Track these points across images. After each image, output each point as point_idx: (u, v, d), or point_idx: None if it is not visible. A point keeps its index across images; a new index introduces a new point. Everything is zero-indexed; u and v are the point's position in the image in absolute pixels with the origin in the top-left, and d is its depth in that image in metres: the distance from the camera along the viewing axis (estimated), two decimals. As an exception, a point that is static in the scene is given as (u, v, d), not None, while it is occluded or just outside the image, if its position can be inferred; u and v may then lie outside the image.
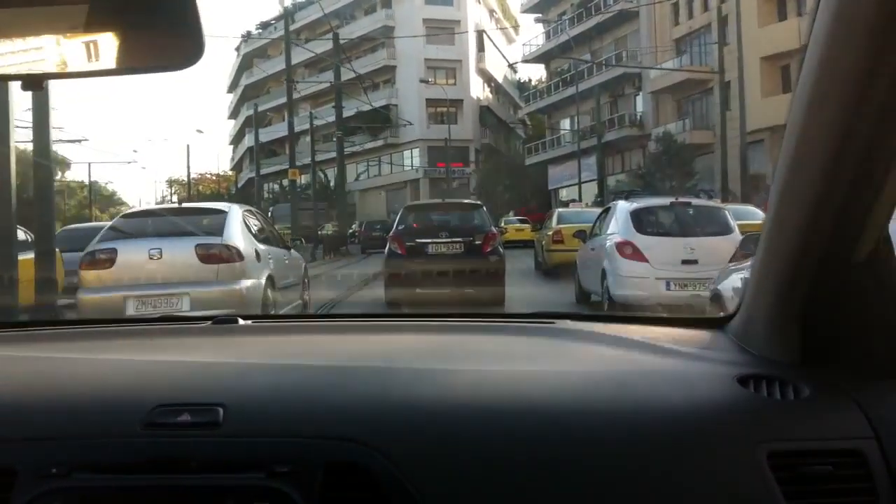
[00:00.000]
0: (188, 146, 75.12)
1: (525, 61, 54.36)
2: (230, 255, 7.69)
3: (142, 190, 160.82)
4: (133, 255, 7.61)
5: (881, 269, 1.22)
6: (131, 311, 7.33)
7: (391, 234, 12.09)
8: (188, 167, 57.82)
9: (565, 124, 48.61)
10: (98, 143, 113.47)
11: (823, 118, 1.06)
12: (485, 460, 1.12)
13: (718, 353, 1.43)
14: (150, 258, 7.54)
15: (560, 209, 20.13)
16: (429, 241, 11.47)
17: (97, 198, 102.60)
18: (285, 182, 60.29)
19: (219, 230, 7.87)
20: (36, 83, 1.13)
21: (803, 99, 1.07)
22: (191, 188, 63.36)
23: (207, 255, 7.62)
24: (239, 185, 68.25)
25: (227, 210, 8.41)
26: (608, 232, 10.17)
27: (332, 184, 55.36)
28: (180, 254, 7.61)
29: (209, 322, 1.77)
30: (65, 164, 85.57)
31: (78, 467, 1.13)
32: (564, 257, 14.60)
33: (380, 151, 57.28)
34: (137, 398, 1.24)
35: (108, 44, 1.08)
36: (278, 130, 63.58)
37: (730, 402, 1.23)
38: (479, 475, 1.10)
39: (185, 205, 10.72)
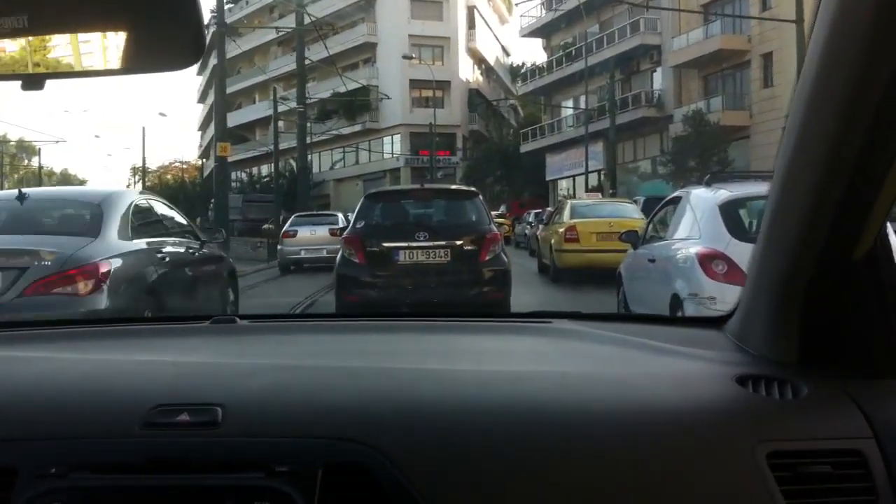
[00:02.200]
0: (143, 128, 68.58)
1: (523, 35, 48.61)
2: (340, 232, 15.17)
3: (109, 178, 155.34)
4: (304, 231, 18.57)
5: (880, 268, 1.22)
6: (303, 255, 18.08)
7: (346, 234, 8.59)
8: (143, 152, 52.64)
9: (566, 107, 42.68)
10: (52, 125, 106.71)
11: (822, 117, 1.06)
12: (485, 460, 1.12)
13: (717, 352, 1.43)
14: (311, 233, 18.46)
15: (574, 201, 17.28)
16: (400, 244, 7.98)
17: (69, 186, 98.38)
18: (254, 171, 57.15)
19: (336, 222, 18.99)
20: (36, 83, 1.13)
21: (802, 98, 1.08)
22: (145, 176, 57.76)
23: (332, 232, 17.65)
24: (205, 175, 62.49)
25: (338, 214, 20.85)
26: (679, 235, 6.68)
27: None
28: (322, 231, 18.35)
29: (207, 322, 1.77)
30: (31, 151, 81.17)
31: (77, 467, 1.13)
32: (580, 259, 13.39)
33: (358, 137, 52.85)
34: (136, 398, 1.24)
35: (108, 43, 1.09)
36: (247, 114, 59.04)
37: (729, 402, 1.23)
38: (479, 475, 1.11)
39: (320, 212, 22.91)
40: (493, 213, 29.64)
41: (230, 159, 59.84)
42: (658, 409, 1.19)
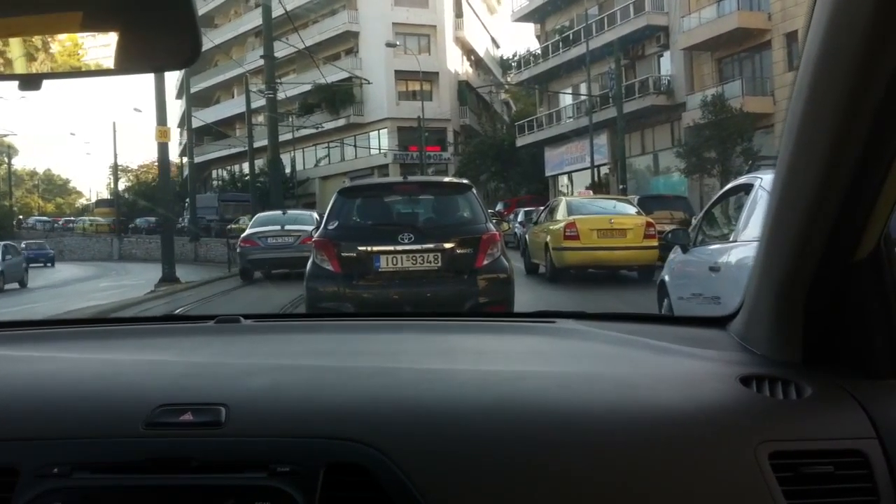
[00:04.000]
0: (114, 124, 63.50)
1: (515, 20, 45.80)
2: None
3: (91, 177, 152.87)
4: None
5: (882, 267, 1.22)
6: None
7: (316, 236, 7.07)
8: (114, 149, 49.74)
9: (566, 96, 39.78)
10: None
11: (823, 117, 1.06)
12: (486, 460, 1.12)
13: (720, 352, 1.43)
14: None
15: (569, 198, 16.53)
16: (381, 248, 6.56)
17: (52, 186, 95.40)
18: (236, 169, 54.50)
19: None
20: (34, 83, 1.13)
21: (802, 97, 1.08)
22: (117, 174, 54.91)
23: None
24: (185, 174, 59.86)
25: None
26: (752, 235, 4.74)
27: (286, 170, 48.74)
28: None
29: (212, 321, 1.78)
30: (12, 150, 78.87)
31: (79, 467, 1.14)
32: (581, 258, 13.22)
33: (342, 132, 49.74)
34: (139, 398, 1.24)
35: (105, 44, 1.10)
36: (226, 109, 56.24)
37: (732, 402, 1.23)
38: (480, 475, 1.11)
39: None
40: (489, 211, 28.83)
41: (210, 157, 57.42)
42: (661, 408, 1.18)
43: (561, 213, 14.01)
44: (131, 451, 1.15)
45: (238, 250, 17.39)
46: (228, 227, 30.94)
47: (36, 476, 1.11)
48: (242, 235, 17.43)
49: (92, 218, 56.20)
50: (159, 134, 16.69)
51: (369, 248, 6.67)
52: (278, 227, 16.74)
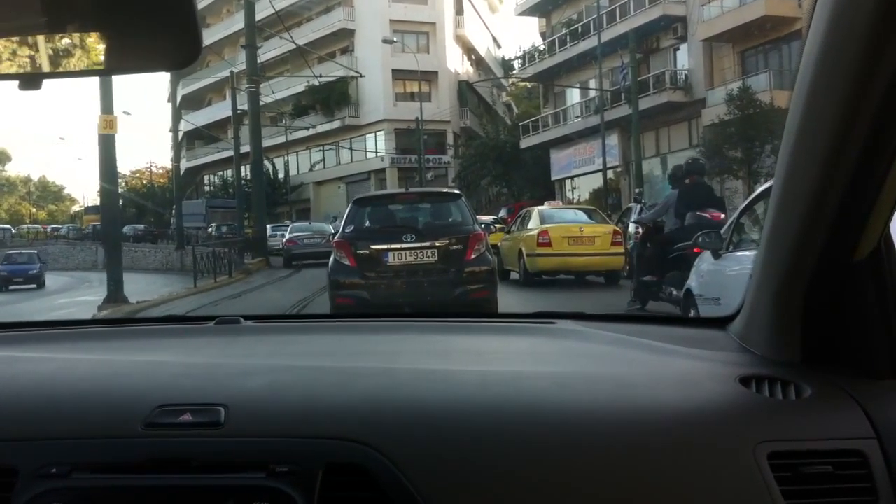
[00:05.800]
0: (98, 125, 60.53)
1: (519, 14, 43.56)
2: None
3: (85, 183, 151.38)
4: None
5: (882, 268, 1.23)
6: None
7: (336, 238, 8.95)
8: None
9: (573, 95, 37.39)
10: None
11: (823, 118, 1.07)
12: (485, 461, 1.13)
13: (720, 352, 1.43)
14: None
15: (540, 207, 17.28)
16: (388, 246, 8.28)
17: (46, 193, 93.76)
18: (227, 174, 52.33)
19: None
20: (34, 83, 1.14)
21: (802, 98, 1.09)
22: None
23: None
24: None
25: None
26: None
27: (279, 175, 46.61)
28: None
29: (212, 322, 1.79)
30: (5, 157, 77.36)
31: (79, 467, 1.15)
32: (553, 263, 14.11)
33: (337, 135, 47.51)
34: (139, 398, 1.25)
35: (105, 43, 1.11)
36: (217, 111, 54.14)
37: (731, 402, 1.24)
38: (479, 475, 1.12)
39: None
40: (490, 217, 27.26)
41: (203, 161, 55.20)
42: (660, 409, 1.19)
43: (533, 222, 14.90)
44: (130, 451, 1.15)
45: (283, 247, 25.83)
46: (209, 233, 30.68)
47: (35, 476, 1.12)
48: (286, 238, 26.36)
49: (31, 226, 56.22)
50: (103, 124, 13.96)
51: (379, 247, 8.22)
52: (308, 233, 26.35)
